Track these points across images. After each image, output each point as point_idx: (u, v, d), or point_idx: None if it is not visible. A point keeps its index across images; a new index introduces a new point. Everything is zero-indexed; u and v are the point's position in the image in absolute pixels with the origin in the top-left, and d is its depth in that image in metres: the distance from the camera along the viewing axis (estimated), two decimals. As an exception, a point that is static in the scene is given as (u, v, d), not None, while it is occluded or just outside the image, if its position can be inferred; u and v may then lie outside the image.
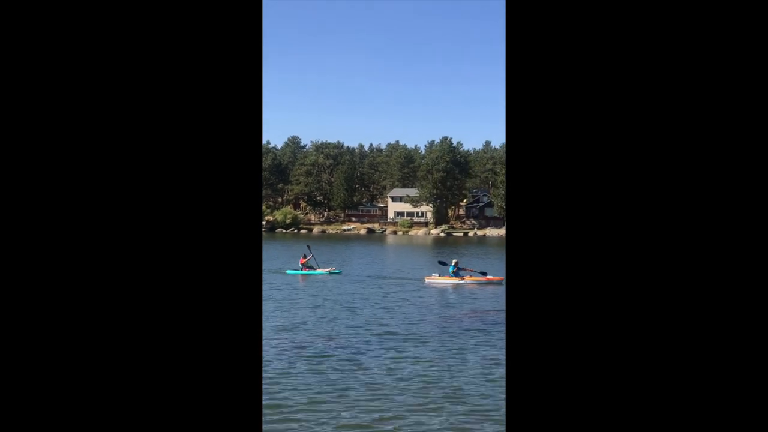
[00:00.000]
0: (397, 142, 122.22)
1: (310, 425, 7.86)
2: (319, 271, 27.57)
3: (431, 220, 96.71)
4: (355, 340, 13.13)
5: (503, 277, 23.42)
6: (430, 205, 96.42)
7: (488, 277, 24.55)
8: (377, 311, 17.24)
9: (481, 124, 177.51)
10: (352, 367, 10.67)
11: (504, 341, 12.65)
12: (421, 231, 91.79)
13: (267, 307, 17.32)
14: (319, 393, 9.12)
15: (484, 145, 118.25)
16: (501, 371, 10.08)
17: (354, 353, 11.85)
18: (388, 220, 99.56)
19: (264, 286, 21.98)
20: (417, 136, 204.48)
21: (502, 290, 20.72)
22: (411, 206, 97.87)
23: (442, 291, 22.33)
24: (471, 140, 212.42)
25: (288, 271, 27.93)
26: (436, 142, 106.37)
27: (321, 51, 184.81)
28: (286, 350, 12.18)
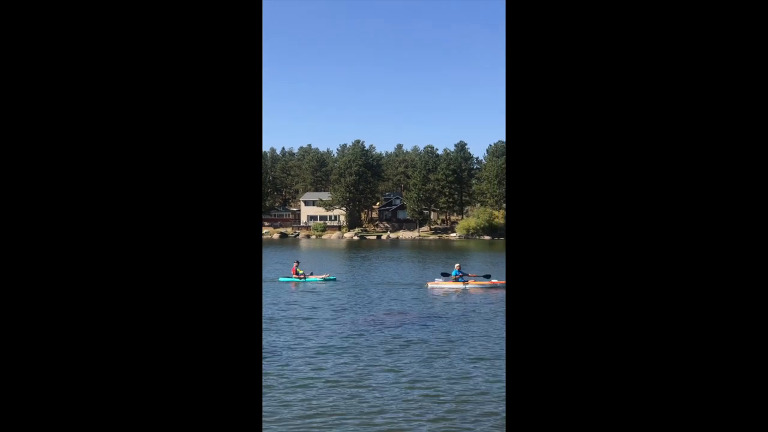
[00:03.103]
0: (309, 145, 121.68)
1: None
2: (313, 278, 27.18)
3: (344, 223, 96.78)
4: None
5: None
6: (343, 208, 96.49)
7: (492, 281, 24.48)
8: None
9: (392, 127, 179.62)
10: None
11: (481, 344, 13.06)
12: (335, 234, 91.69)
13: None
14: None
15: (396, 148, 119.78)
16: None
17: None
18: (301, 224, 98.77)
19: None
20: (329, 140, 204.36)
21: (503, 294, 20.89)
22: (324, 210, 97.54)
23: (447, 295, 22.29)
24: (383, 143, 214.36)
25: (281, 279, 27.47)
26: (348, 146, 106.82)
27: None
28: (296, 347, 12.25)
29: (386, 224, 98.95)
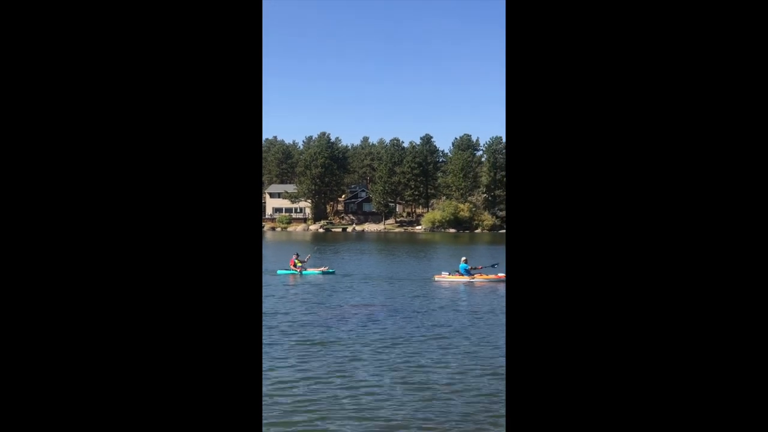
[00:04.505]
0: (275, 137, 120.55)
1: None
2: (311, 271, 26.89)
3: (310, 215, 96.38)
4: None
5: None
6: (309, 200, 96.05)
7: (500, 275, 23.93)
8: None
9: (358, 120, 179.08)
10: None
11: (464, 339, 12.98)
12: (300, 227, 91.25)
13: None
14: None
15: (362, 141, 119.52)
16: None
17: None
18: (267, 216, 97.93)
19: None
20: (294, 132, 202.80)
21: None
22: (289, 202, 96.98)
23: (455, 289, 21.99)
24: (349, 136, 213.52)
25: (279, 272, 26.94)
26: (314, 138, 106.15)
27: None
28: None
29: (352, 217, 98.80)
